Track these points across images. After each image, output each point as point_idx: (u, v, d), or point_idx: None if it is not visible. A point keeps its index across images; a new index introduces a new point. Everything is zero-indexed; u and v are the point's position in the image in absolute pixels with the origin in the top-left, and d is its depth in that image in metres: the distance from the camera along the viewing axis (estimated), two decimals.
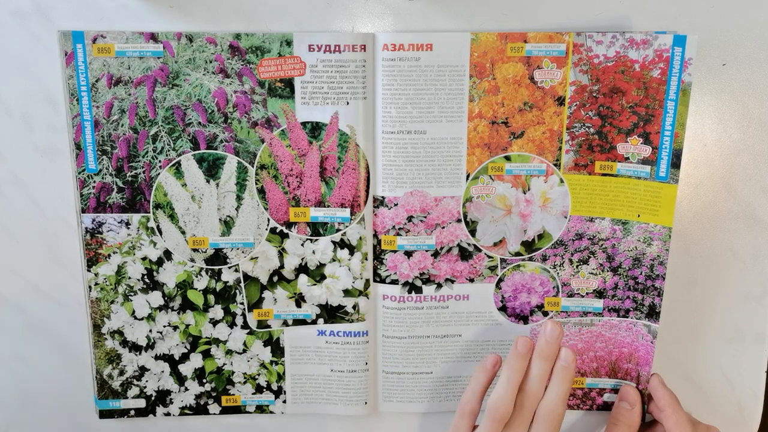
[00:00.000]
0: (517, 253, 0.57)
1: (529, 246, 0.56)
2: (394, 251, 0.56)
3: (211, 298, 0.57)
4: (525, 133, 0.54)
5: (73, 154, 0.54)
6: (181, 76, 0.53)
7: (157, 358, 0.58)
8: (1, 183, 0.55)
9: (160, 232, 0.56)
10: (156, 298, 0.57)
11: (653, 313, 0.55)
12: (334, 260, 0.56)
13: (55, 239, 0.56)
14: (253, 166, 0.55)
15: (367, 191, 0.55)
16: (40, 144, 0.54)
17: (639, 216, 0.54)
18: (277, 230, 0.56)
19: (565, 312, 0.57)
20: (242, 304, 0.57)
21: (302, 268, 0.57)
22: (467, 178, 0.55)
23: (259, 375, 0.59)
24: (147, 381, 0.59)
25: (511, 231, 0.56)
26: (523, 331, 0.58)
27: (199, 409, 0.59)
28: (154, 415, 0.59)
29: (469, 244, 0.56)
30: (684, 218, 0.57)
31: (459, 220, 0.56)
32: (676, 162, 0.52)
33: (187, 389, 0.59)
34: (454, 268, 0.57)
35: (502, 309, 0.58)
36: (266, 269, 0.57)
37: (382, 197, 0.55)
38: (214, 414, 0.60)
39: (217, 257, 0.56)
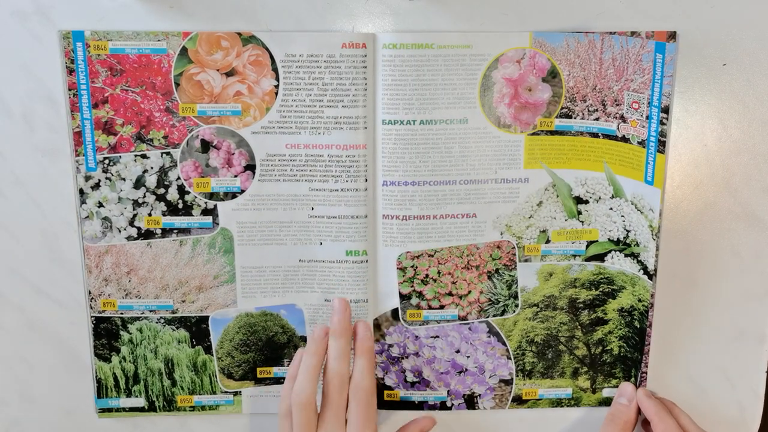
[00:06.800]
0: None
1: None
2: None
3: None
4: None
5: (73, 154, 0.54)
6: None
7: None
8: (1, 183, 0.55)
9: None
10: None
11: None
12: None
13: (55, 239, 0.56)
14: None
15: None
16: (40, 144, 0.54)
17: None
18: None
19: None
20: None
21: None
22: None
23: None
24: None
25: None
26: None
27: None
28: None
29: None
30: (684, 218, 0.57)
31: None
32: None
33: None
34: None
35: None
36: None
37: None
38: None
39: None
